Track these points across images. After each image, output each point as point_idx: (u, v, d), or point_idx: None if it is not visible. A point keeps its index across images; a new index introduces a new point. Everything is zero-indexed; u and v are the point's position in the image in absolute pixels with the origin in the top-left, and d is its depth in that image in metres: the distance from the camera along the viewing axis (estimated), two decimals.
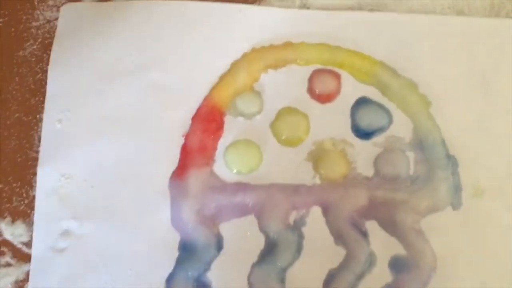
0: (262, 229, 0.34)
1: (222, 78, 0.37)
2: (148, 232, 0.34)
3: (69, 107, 0.36)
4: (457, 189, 0.35)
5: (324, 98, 0.37)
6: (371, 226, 0.34)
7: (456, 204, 0.35)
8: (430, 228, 0.34)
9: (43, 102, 0.36)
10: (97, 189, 0.35)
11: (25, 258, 0.34)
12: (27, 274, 0.34)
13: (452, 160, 0.35)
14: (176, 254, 0.34)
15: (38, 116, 0.36)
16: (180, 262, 0.33)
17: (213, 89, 0.37)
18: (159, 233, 0.34)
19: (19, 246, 0.34)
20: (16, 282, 0.34)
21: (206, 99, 0.36)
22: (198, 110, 0.36)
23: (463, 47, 0.38)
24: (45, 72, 0.37)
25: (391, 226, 0.34)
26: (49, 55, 0.37)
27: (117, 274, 0.33)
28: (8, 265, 0.34)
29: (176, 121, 0.36)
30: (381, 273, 0.33)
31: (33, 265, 0.33)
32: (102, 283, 0.33)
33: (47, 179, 0.35)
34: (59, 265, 0.33)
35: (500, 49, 0.38)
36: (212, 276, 0.33)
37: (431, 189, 0.35)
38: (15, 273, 0.34)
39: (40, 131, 0.36)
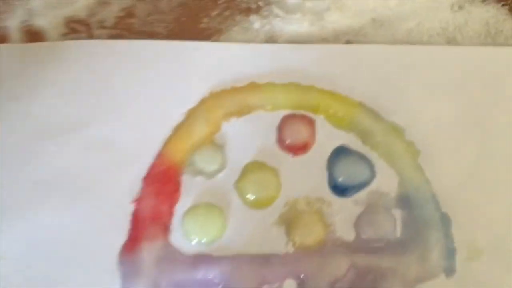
0: None
1: (177, 129, 0.32)
2: None
3: None
4: (450, 252, 0.31)
5: (296, 149, 0.33)
6: None
7: (449, 271, 0.31)
8: None
9: None
10: (34, 270, 0.30)
11: None
12: None
13: (444, 219, 0.31)
14: None
15: None
16: None
17: (167, 143, 0.32)
18: None
19: None
20: None
21: (159, 156, 0.32)
22: (150, 169, 0.32)
23: (456, 82, 0.34)
24: None
25: None
26: None
27: None
28: None
29: (124, 185, 0.31)
30: None
31: None
32: None
33: None
34: None
35: (498, 83, 0.34)
36: None
37: (421, 253, 0.31)
38: None
39: None
